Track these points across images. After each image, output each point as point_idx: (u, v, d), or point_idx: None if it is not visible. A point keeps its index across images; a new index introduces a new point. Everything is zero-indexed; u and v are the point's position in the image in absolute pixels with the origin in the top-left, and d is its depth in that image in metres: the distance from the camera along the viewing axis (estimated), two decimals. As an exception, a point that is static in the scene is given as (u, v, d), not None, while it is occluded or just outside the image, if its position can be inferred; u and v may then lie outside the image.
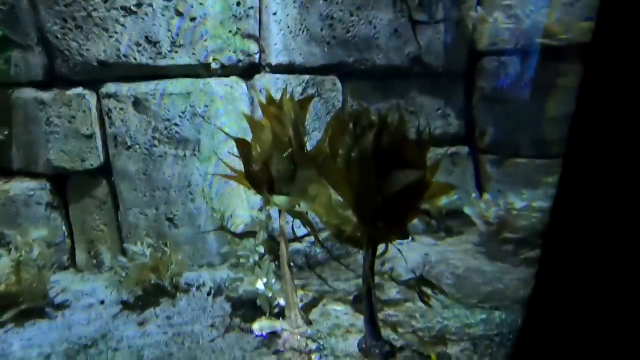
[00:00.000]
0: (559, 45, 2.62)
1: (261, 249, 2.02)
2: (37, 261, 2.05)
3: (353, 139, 1.32)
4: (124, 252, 2.29)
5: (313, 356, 1.64)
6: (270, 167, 1.68)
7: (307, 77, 2.48)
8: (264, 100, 1.78)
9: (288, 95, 1.74)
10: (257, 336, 1.79)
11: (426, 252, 2.49)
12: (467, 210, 2.63)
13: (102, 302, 2.17)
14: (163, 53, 2.25)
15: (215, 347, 1.78)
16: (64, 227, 2.48)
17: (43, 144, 2.35)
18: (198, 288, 2.23)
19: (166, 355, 1.75)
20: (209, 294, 2.19)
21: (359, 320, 1.77)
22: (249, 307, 1.96)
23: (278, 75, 2.40)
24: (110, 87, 2.30)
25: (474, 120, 3.10)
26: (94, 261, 2.47)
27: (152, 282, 2.11)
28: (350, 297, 2.07)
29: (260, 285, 1.85)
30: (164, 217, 2.37)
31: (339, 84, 2.64)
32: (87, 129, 2.33)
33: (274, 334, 1.77)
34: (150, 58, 2.25)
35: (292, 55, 2.43)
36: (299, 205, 1.66)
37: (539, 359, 0.68)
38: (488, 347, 1.62)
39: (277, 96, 1.79)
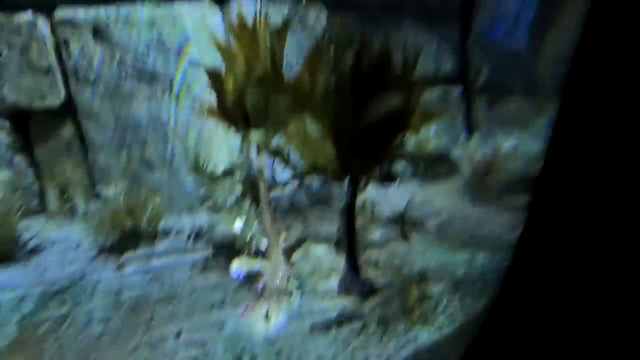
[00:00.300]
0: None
1: (239, 190, 1.93)
2: (2, 206, 1.94)
3: (332, 63, 1.18)
4: (97, 196, 2.19)
5: (293, 296, 1.62)
6: (245, 100, 1.53)
7: (288, 5, 2.25)
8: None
9: (263, 18, 1.54)
10: (235, 278, 1.76)
11: (411, 196, 2.45)
12: (454, 153, 2.56)
13: (77, 246, 2.10)
14: (123, -28, 1.99)
15: (195, 289, 1.75)
16: (30, 171, 2.33)
17: (-5, 78, 2.13)
18: (177, 232, 2.17)
19: (145, 297, 1.72)
20: (188, 237, 2.14)
21: (341, 262, 1.74)
22: (229, 249, 1.91)
23: (255, 2, 2.16)
24: (65, 12, 2.05)
25: (469, 59, 2.93)
26: (67, 206, 2.37)
27: (129, 226, 2.03)
28: (333, 240, 2.03)
29: (238, 226, 1.79)
30: (137, 159, 2.24)
31: (323, 15, 2.41)
32: (43, 62, 2.11)
33: (254, 275, 1.75)
34: (109, -22, 1.99)
35: (270, -21, 2.18)
36: (278, 141, 1.55)
37: (525, 302, 0.65)
38: (469, 288, 1.62)
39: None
